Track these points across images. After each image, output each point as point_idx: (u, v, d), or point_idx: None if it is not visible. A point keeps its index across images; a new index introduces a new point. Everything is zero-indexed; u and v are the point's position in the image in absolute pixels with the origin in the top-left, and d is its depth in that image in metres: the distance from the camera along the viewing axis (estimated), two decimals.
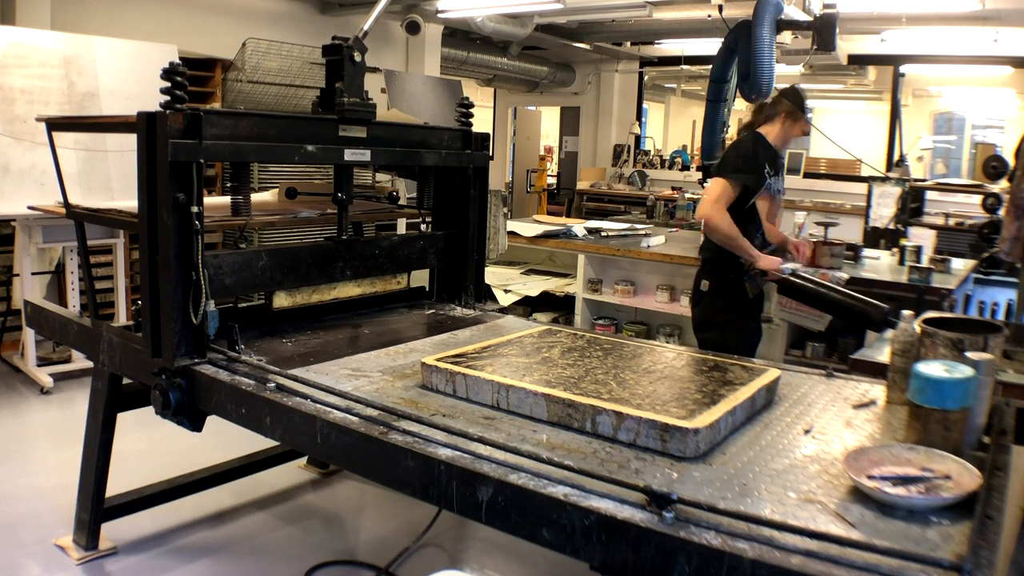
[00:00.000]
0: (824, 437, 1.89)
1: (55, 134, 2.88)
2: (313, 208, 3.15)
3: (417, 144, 2.98)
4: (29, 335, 4.73)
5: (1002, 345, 2.07)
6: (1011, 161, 5.21)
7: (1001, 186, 6.81)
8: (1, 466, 3.62)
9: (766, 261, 3.29)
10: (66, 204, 2.89)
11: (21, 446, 3.95)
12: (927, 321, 2.07)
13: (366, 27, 2.75)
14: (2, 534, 2.99)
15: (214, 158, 2.30)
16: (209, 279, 2.32)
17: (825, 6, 5.41)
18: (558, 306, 5.36)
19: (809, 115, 3.47)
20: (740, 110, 11.53)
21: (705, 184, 5.65)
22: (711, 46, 7.19)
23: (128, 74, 5.10)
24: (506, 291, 5.22)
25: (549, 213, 10.83)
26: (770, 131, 3.43)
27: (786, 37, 5.68)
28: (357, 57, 2.66)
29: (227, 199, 2.67)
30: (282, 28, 6.88)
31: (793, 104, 3.40)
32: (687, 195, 8.10)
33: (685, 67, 10.18)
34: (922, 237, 4.63)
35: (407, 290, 3.20)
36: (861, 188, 6.44)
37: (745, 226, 3.29)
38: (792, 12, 5.15)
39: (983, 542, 1.33)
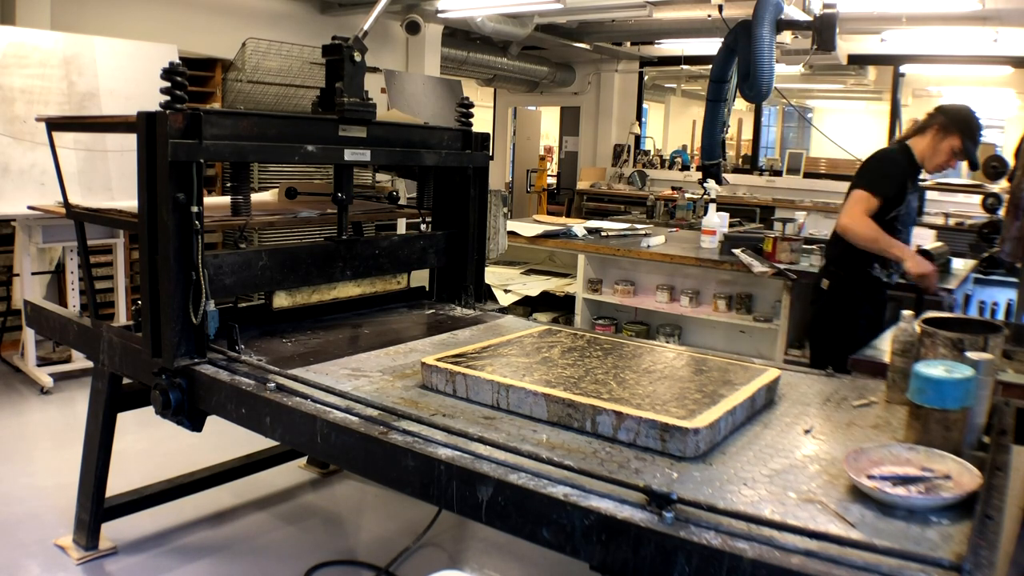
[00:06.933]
0: (824, 437, 1.89)
1: (55, 134, 2.88)
2: (313, 208, 3.15)
3: (417, 144, 2.98)
4: (29, 335, 4.73)
5: (1002, 345, 2.07)
6: (1011, 161, 5.20)
7: (1001, 186, 6.81)
8: (1, 466, 3.62)
9: (915, 263, 3.17)
10: (66, 204, 2.89)
11: (21, 446, 3.95)
12: (927, 321, 2.07)
13: (366, 27, 2.75)
14: (2, 534, 3.00)
15: (214, 158, 2.30)
16: (209, 279, 2.32)
17: (825, 6, 5.41)
18: (558, 306, 5.36)
19: (980, 138, 3.18)
20: (740, 110, 11.59)
21: (705, 184, 5.66)
22: (711, 46, 7.19)
23: (128, 74, 5.10)
24: (506, 291, 5.23)
25: (549, 213, 10.83)
26: (917, 144, 3.27)
27: (786, 37, 5.68)
28: (357, 57, 2.66)
29: (227, 199, 2.67)
30: (282, 28, 6.88)
31: (948, 120, 3.19)
32: (687, 195, 8.10)
33: (685, 67, 10.18)
34: (922, 237, 4.63)
35: (407, 290, 3.20)
36: None
37: None
38: (792, 12, 5.15)
39: (983, 542, 1.33)
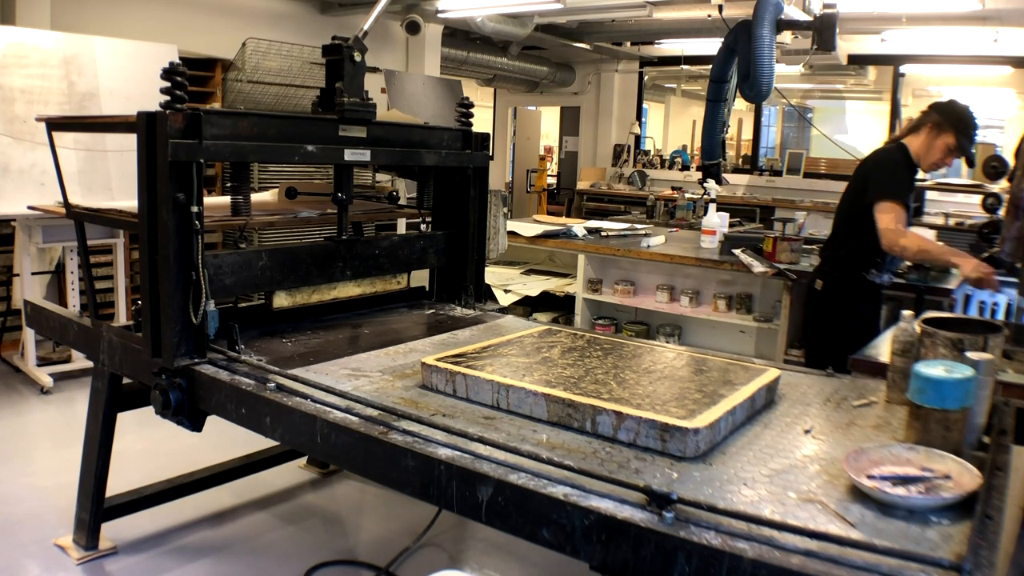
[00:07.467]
0: (824, 437, 1.89)
1: (55, 134, 2.88)
2: (313, 208, 3.16)
3: (417, 144, 2.98)
4: (29, 335, 4.73)
5: (1002, 345, 2.07)
6: (1011, 161, 5.20)
7: (1001, 186, 6.80)
8: (1, 466, 3.62)
9: (973, 268, 3.05)
10: (66, 204, 2.89)
11: (21, 446, 3.95)
12: (927, 321, 2.07)
13: (366, 27, 2.75)
14: (2, 534, 2.99)
15: (214, 158, 2.30)
16: (209, 279, 2.32)
17: (825, 6, 5.41)
18: (558, 306, 5.36)
19: (975, 134, 3.13)
20: (740, 110, 11.58)
21: (705, 184, 5.66)
22: (711, 46, 7.19)
23: (128, 74, 5.10)
24: (506, 291, 5.23)
25: (549, 213, 10.82)
26: (912, 143, 3.24)
27: (786, 37, 5.68)
28: (357, 57, 2.66)
29: (227, 199, 2.67)
30: (282, 28, 6.88)
31: (942, 117, 3.15)
32: (687, 195, 8.10)
33: (685, 67, 10.18)
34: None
35: (407, 290, 3.20)
36: None
37: (877, 243, 3.17)
38: (792, 12, 5.15)
39: (983, 542, 1.33)
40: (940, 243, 3.14)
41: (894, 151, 3.30)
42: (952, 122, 3.15)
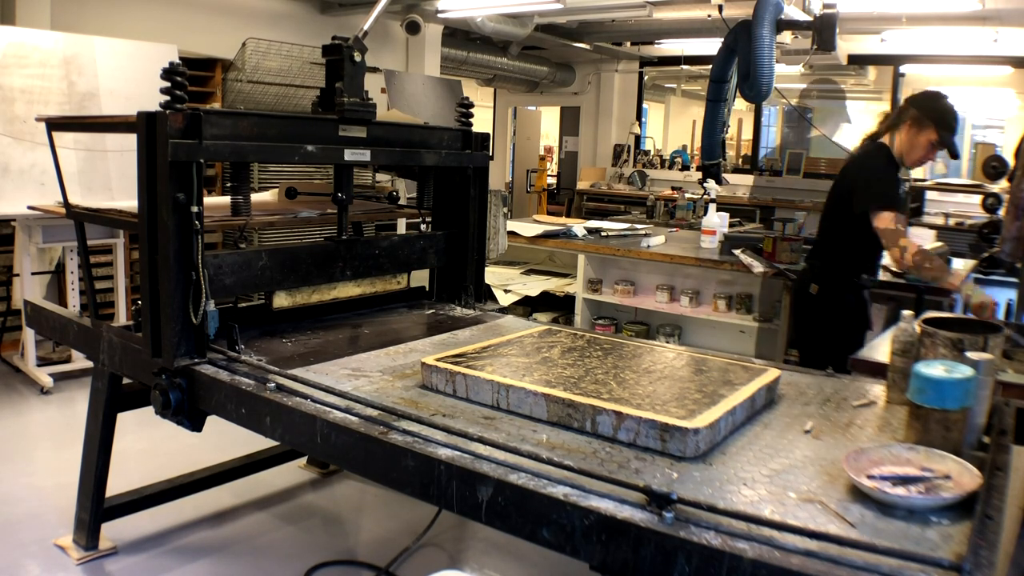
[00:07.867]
0: (824, 437, 1.89)
1: (55, 134, 2.88)
2: (313, 208, 3.16)
3: (417, 144, 2.98)
4: (29, 335, 4.73)
5: (1002, 345, 2.07)
6: (1011, 161, 5.20)
7: (1001, 186, 6.82)
8: (1, 466, 3.62)
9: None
10: (66, 204, 2.89)
11: (21, 446, 3.95)
12: (927, 321, 2.07)
13: (366, 27, 2.75)
14: (2, 534, 2.99)
15: (214, 158, 2.30)
16: (209, 279, 2.32)
17: (825, 6, 5.41)
18: (558, 306, 5.36)
19: (956, 125, 3.06)
20: (740, 110, 11.59)
21: (705, 184, 5.66)
22: (711, 46, 7.19)
23: (128, 74, 5.10)
24: (506, 291, 5.23)
25: (549, 213, 10.83)
26: (893, 141, 3.16)
27: (786, 37, 5.68)
28: (357, 57, 2.66)
29: (227, 199, 2.67)
30: (282, 28, 6.88)
31: (921, 113, 3.07)
32: (687, 195, 8.10)
33: (685, 67, 10.18)
34: (922, 237, 4.63)
35: (407, 290, 3.20)
36: None
37: (871, 248, 3.16)
38: (792, 12, 5.15)
39: (983, 542, 1.33)
40: (939, 261, 3.08)
41: (875, 153, 3.19)
42: (931, 116, 3.07)
